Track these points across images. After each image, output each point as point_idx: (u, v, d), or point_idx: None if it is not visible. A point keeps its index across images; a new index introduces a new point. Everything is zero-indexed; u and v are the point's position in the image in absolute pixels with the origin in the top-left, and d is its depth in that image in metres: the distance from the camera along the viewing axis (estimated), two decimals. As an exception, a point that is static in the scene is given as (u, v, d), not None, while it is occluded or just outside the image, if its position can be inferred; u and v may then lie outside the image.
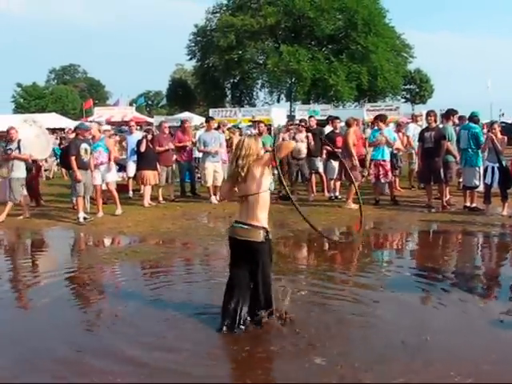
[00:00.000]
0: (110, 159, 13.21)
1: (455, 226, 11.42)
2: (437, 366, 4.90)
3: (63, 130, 29.81)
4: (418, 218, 12.19)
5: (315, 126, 15.84)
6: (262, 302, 5.74)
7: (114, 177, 13.48)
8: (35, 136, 14.51)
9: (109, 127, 19.80)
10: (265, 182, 5.59)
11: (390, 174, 14.01)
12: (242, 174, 5.54)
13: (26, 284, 7.95)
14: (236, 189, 5.78)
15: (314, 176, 15.57)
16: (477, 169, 12.88)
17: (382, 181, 14.06)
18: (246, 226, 5.61)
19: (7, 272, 8.76)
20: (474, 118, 13.35)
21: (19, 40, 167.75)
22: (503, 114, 39.01)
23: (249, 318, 5.76)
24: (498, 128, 12.86)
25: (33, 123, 15.18)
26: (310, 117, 17.23)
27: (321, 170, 15.32)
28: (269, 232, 5.70)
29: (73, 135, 15.23)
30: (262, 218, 5.63)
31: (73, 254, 10.20)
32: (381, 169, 13.83)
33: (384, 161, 13.90)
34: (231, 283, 5.82)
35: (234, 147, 6.28)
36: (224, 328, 5.68)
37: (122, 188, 15.63)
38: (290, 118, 17.79)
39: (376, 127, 14.57)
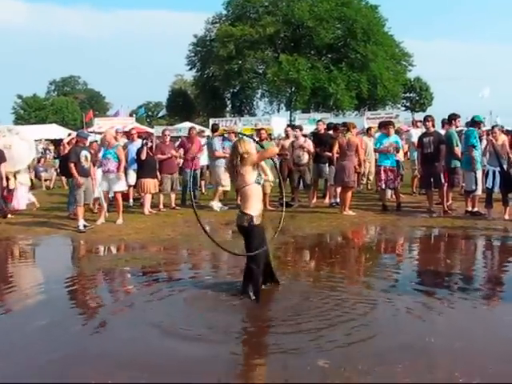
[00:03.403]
0: (118, 169, 13.11)
1: (456, 230, 11.37)
2: (441, 368, 4.85)
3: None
4: (419, 223, 12.15)
5: (323, 131, 15.55)
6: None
7: (122, 187, 13.40)
8: (3, 147, 13.87)
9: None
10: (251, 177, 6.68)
11: (398, 180, 13.96)
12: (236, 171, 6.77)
13: (28, 292, 7.84)
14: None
15: (318, 182, 15.50)
16: (472, 173, 12.84)
17: (391, 186, 14.01)
18: (240, 213, 6.80)
19: (9, 279, 8.75)
20: (472, 121, 13.32)
21: (20, 52, 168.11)
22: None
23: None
24: (499, 132, 12.81)
25: (7, 133, 14.52)
26: (319, 121, 16.87)
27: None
28: (253, 218, 6.66)
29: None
30: (249, 206, 6.70)
31: (73, 261, 10.13)
32: (390, 174, 13.74)
33: (393, 167, 13.82)
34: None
35: None
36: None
37: (122, 196, 15.61)
38: (293, 126, 17.76)
39: (383, 133, 14.31)
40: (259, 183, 6.75)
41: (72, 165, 12.08)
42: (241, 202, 7.07)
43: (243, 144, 6.79)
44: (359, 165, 13.62)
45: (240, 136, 14.38)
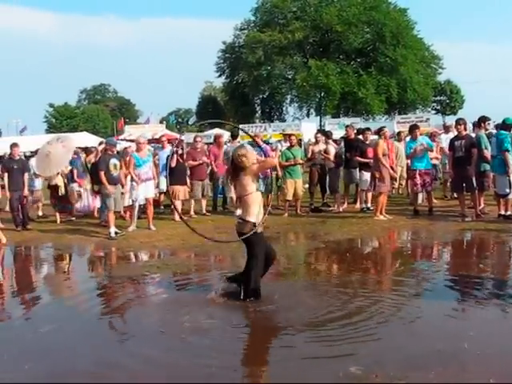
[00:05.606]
0: (154, 176, 13.43)
1: (490, 234, 11.22)
2: (475, 373, 4.78)
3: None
4: (452, 228, 12.00)
5: (352, 136, 15.57)
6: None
7: (153, 193, 13.61)
8: (45, 155, 14.33)
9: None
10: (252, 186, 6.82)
11: (433, 182, 13.81)
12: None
13: (60, 299, 7.95)
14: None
15: (349, 187, 15.56)
16: (505, 177, 12.52)
17: (428, 189, 13.82)
18: (240, 221, 6.87)
19: (42, 287, 8.98)
20: (504, 124, 13.04)
21: (51, 61, 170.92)
22: None
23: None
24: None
25: (54, 141, 14.84)
26: (348, 126, 16.67)
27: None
28: (255, 225, 6.74)
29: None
30: (250, 213, 6.78)
31: (105, 267, 10.20)
32: (426, 178, 13.57)
33: (428, 169, 13.67)
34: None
35: None
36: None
37: (153, 203, 15.69)
38: (323, 132, 17.71)
39: (411, 138, 14.23)
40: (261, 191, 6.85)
41: (102, 173, 12.22)
42: (241, 209, 7.03)
43: (245, 153, 6.83)
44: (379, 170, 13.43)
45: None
